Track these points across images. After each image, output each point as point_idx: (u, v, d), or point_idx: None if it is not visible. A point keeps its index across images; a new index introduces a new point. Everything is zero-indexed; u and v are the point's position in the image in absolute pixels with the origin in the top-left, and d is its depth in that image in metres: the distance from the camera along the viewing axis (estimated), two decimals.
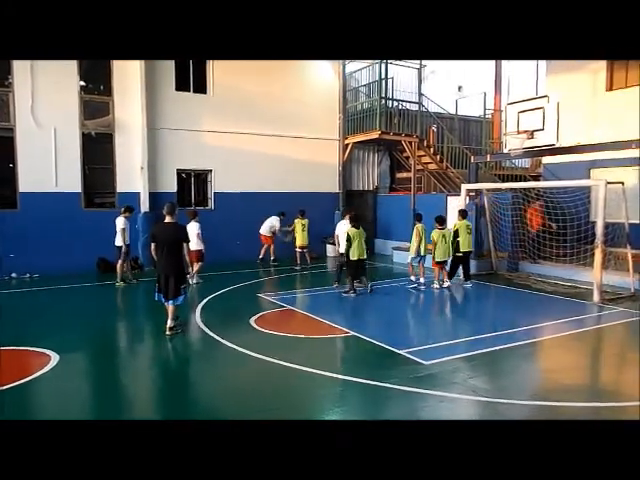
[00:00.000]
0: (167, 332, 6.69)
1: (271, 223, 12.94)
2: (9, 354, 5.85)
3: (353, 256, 9.13)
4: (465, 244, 10.15)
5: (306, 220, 12.68)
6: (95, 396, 5.15)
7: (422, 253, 10.06)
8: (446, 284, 9.98)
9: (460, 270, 10.44)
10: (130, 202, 12.32)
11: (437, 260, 9.91)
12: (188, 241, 6.84)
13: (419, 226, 10.09)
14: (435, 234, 9.86)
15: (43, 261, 11.14)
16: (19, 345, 6.19)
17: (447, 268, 10.23)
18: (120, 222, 10.15)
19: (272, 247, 13.04)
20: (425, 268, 10.24)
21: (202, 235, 10.09)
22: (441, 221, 10.05)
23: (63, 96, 11.62)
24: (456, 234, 10.10)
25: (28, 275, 11.09)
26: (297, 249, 12.59)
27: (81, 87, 11.96)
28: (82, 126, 11.92)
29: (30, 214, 11.23)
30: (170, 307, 6.70)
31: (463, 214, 10.43)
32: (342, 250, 9.55)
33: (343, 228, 9.78)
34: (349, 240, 9.15)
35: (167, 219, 6.72)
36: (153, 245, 6.71)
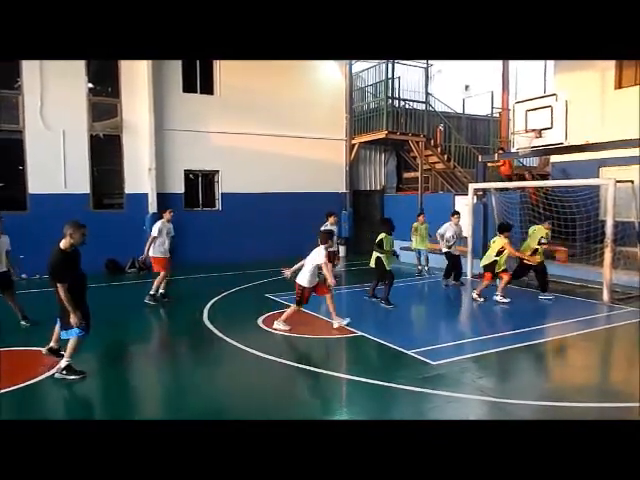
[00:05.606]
0: None
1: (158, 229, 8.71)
2: (22, 354, 5.93)
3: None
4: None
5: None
6: (100, 397, 5.17)
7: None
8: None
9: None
10: (138, 203, 12.45)
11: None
12: None
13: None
14: None
15: None
16: (32, 346, 6.20)
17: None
18: None
19: (163, 274, 8.74)
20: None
21: None
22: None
23: (71, 98, 11.72)
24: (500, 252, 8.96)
25: (38, 276, 11.17)
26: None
27: (89, 89, 12.05)
28: (90, 128, 12.01)
29: (39, 215, 11.32)
30: None
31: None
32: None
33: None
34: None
35: None
36: None
